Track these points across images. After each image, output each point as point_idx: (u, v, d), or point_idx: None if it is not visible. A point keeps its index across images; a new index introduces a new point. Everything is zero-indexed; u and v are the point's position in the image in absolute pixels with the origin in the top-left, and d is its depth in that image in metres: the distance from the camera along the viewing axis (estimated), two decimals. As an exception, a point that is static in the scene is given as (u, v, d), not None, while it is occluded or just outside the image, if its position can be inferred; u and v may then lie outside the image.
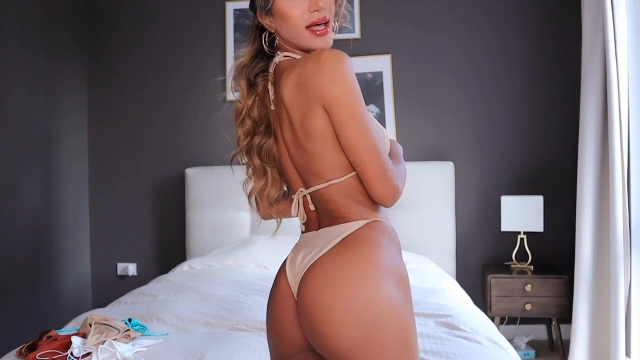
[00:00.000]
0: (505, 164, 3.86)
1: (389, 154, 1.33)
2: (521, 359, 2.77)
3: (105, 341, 2.03)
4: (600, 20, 3.16)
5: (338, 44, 1.32)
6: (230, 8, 4.01)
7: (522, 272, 3.57)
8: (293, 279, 1.30)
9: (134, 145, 4.12)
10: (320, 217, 1.32)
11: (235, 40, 3.99)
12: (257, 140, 1.38)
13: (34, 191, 3.54)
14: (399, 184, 1.27)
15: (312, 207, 1.33)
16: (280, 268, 1.37)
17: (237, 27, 4.01)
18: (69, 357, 1.97)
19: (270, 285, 1.43)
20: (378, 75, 3.90)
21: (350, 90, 1.21)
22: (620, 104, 3.06)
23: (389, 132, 3.84)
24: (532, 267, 3.63)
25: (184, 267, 3.45)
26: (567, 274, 3.57)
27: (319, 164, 1.28)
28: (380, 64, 3.90)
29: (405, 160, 1.42)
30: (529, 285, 3.47)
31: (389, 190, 1.25)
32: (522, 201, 3.60)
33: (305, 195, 1.33)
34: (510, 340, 3.56)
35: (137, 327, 2.25)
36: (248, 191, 1.44)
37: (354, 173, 1.27)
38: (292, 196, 1.37)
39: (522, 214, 3.60)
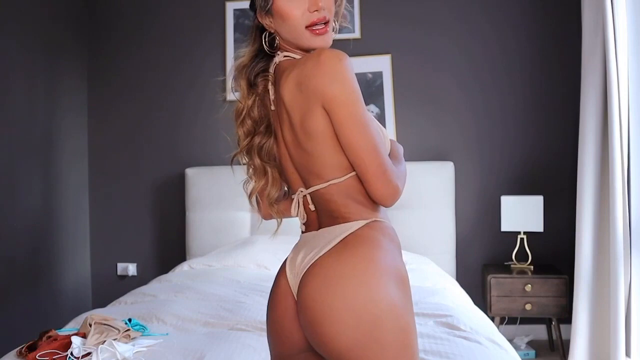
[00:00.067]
0: (505, 164, 3.86)
1: (389, 154, 1.33)
2: (521, 359, 2.77)
3: (105, 341, 2.03)
4: (600, 20, 3.16)
5: (338, 44, 1.32)
6: (230, 8, 4.01)
7: (522, 272, 3.57)
8: (293, 279, 1.30)
9: (134, 145, 4.12)
10: (320, 217, 1.32)
11: (235, 40, 3.99)
12: (257, 140, 1.38)
13: (34, 191, 3.54)
14: (399, 184, 1.27)
15: (312, 207, 1.33)
16: (280, 268, 1.37)
17: (237, 27, 4.01)
18: (69, 357, 1.97)
19: (270, 285, 1.44)
20: (378, 75, 3.90)
21: (350, 90, 1.21)
22: (620, 104, 3.06)
23: (389, 132, 3.84)
24: (532, 267, 3.63)
25: (184, 267, 3.45)
26: (567, 274, 3.57)
27: (319, 164, 1.28)
28: (380, 64, 3.90)
29: (405, 160, 1.42)
30: (529, 285, 3.47)
31: (388, 190, 1.25)
32: (522, 201, 3.60)
33: (305, 195, 1.33)
34: (510, 340, 3.56)
35: (137, 327, 2.25)
36: (248, 191, 1.44)
37: (353, 173, 1.27)
38: (292, 196, 1.37)
39: (522, 214, 3.60)
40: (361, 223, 1.27)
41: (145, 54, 4.11)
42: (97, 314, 2.30)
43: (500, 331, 2.70)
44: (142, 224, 4.12)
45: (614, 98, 3.04)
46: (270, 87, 1.35)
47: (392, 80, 3.89)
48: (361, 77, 3.83)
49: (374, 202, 1.29)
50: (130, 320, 2.27)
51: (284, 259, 1.38)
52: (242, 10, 3.99)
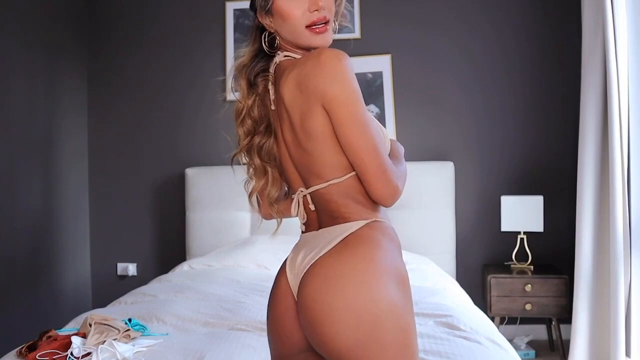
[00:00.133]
0: (505, 164, 3.86)
1: (390, 154, 1.33)
2: (521, 359, 2.77)
3: (105, 341, 2.03)
4: (600, 20, 3.16)
5: (338, 44, 1.32)
6: (230, 8, 4.01)
7: (522, 272, 3.57)
8: (293, 279, 1.30)
9: (134, 145, 4.12)
10: (320, 217, 1.32)
11: (235, 40, 3.99)
12: (257, 139, 1.38)
13: (34, 191, 3.54)
14: (398, 184, 1.27)
15: (312, 207, 1.33)
16: (280, 268, 1.37)
17: (237, 27, 4.01)
18: (69, 357, 1.97)
19: (270, 285, 1.43)
20: (378, 75, 3.90)
21: (350, 90, 1.21)
22: (620, 104, 3.06)
23: (389, 132, 3.84)
24: (532, 267, 3.63)
25: (184, 267, 3.45)
26: (567, 274, 3.57)
27: (319, 163, 1.28)
28: (380, 64, 3.90)
29: (406, 160, 1.42)
30: (529, 285, 3.47)
31: (388, 190, 1.25)
32: (522, 201, 3.60)
33: (305, 195, 1.33)
34: (510, 340, 3.56)
35: (137, 327, 2.25)
36: (249, 191, 1.44)
37: (353, 173, 1.27)
38: (293, 196, 1.37)
39: (522, 214, 3.60)
40: (361, 223, 1.27)
41: (145, 54, 4.11)
42: (97, 314, 2.30)
43: (500, 331, 2.70)
44: (142, 224, 4.12)
45: (614, 98, 3.04)
46: (270, 86, 1.35)
47: (392, 80, 3.89)
48: (361, 77, 3.83)
49: (374, 202, 1.29)
50: (130, 320, 2.27)
51: (284, 259, 1.38)
52: (242, 10, 3.99)
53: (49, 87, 3.71)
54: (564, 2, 3.79)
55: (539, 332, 3.84)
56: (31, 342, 2.10)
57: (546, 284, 3.47)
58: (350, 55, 1.25)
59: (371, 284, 1.18)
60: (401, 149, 1.43)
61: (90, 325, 2.12)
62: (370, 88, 3.88)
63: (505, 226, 3.64)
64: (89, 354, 1.98)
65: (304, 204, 1.34)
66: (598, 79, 3.20)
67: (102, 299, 3.90)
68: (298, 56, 1.33)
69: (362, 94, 1.24)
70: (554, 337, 3.69)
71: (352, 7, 3.87)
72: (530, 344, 3.73)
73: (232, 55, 3.65)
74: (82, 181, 4.09)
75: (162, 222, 4.12)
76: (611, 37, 3.05)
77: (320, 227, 1.31)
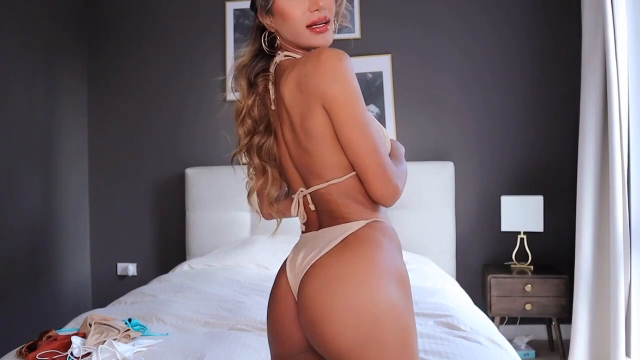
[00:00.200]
0: (505, 164, 3.86)
1: (390, 154, 1.33)
2: (521, 359, 2.77)
3: (105, 341, 2.03)
4: (600, 20, 3.16)
5: (338, 44, 1.32)
6: (230, 8, 4.01)
7: (522, 272, 3.57)
8: (293, 279, 1.30)
9: (134, 145, 4.12)
10: (320, 217, 1.32)
11: (235, 40, 3.99)
12: (256, 139, 1.38)
13: (34, 191, 3.54)
14: (399, 184, 1.27)
15: (312, 207, 1.33)
16: (280, 268, 1.37)
17: (237, 27, 4.01)
18: (69, 357, 1.97)
19: (270, 285, 1.44)
20: (378, 75, 3.90)
21: (350, 90, 1.21)
22: (620, 104, 3.06)
23: (389, 132, 3.84)
24: (532, 267, 3.63)
25: (184, 267, 3.45)
26: (567, 274, 3.57)
27: (319, 163, 1.28)
28: (380, 64, 3.90)
29: (406, 160, 1.42)
30: (529, 285, 3.47)
31: (388, 190, 1.25)
32: (522, 201, 3.60)
33: (305, 195, 1.33)
34: (510, 340, 3.56)
35: (137, 327, 2.25)
36: (248, 190, 1.44)
37: (353, 173, 1.27)
38: (293, 196, 1.37)
39: (522, 214, 3.60)
40: (361, 223, 1.27)
41: (145, 54, 4.11)
42: (97, 314, 2.30)
43: (500, 331, 2.70)
44: (142, 224, 4.12)
45: (614, 98, 3.04)
46: (270, 86, 1.35)
47: (392, 80, 3.89)
48: (361, 77, 3.83)
49: (374, 202, 1.29)
50: (130, 320, 2.27)
51: (284, 259, 1.38)
52: (242, 10, 3.99)
53: (49, 87, 3.71)
54: (564, 2, 3.79)
55: (539, 332, 3.84)
56: (31, 342, 2.10)
57: (546, 284, 3.47)
58: (350, 55, 1.25)
59: (371, 284, 1.18)
60: (401, 149, 1.43)
61: (90, 325, 2.12)
62: (370, 88, 3.89)
63: (505, 226, 3.64)
64: (89, 354, 1.98)
65: (304, 204, 1.34)
66: (598, 79, 3.20)
67: (102, 299, 3.90)
68: (298, 56, 1.33)
69: (362, 94, 1.24)
70: (554, 337, 3.69)
71: (352, 7, 3.87)
72: (530, 344, 3.73)
73: (232, 55, 3.65)
74: (82, 181, 4.09)
75: (162, 222, 4.12)
76: (611, 37, 3.05)
77: (320, 227, 1.31)
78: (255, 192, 1.44)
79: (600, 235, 3.25)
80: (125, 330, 2.13)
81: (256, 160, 1.39)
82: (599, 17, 3.19)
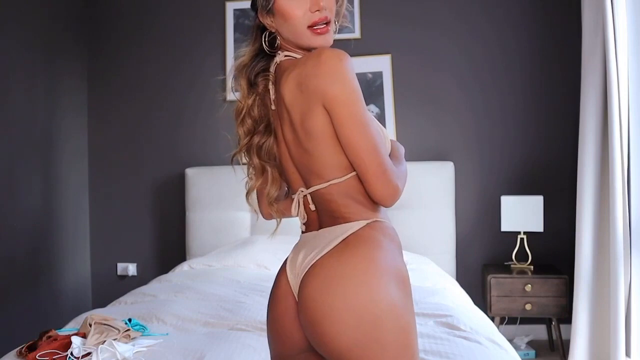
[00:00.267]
0: (505, 164, 3.86)
1: (390, 154, 1.33)
2: (521, 359, 2.77)
3: (105, 341, 2.03)
4: (600, 20, 3.16)
5: (338, 44, 1.32)
6: (230, 8, 4.01)
7: (522, 272, 3.57)
8: (293, 279, 1.30)
9: (134, 145, 4.12)
10: (320, 217, 1.32)
11: (235, 40, 3.99)
12: (256, 139, 1.38)
13: (34, 191, 3.54)
14: (399, 184, 1.27)
15: (312, 207, 1.33)
16: (280, 268, 1.37)
17: (237, 27, 4.01)
18: (69, 357, 1.97)
19: (270, 285, 1.43)
20: (378, 75, 3.90)
21: (350, 90, 1.21)
22: (620, 104, 3.06)
23: (389, 132, 3.84)
24: (532, 267, 3.63)
25: (184, 267, 3.45)
26: (567, 274, 3.57)
27: (319, 163, 1.28)
28: (380, 64, 3.90)
29: (406, 160, 1.42)
30: (529, 285, 3.47)
31: (388, 190, 1.25)
32: (522, 201, 3.60)
33: (305, 195, 1.33)
34: (510, 340, 3.56)
35: (137, 327, 2.25)
36: (247, 189, 1.44)
37: (354, 173, 1.27)
38: (293, 196, 1.37)
39: (522, 214, 3.60)
40: (362, 223, 1.27)
41: (145, 54, 4.11)
42: (97, 314, 2.30)
43: (500, 331, 2.70)
44: (142, 224, 4.12)
45: (614, 98, 3.04)
46: (270, 86, 1.35)
47: (392, 80, 3.89)
48: (361, 77, 3.83)
49: (374, 202, 1.29)
50: (130, 320, 2.27)
51: (284, 259, 1.38)
52: (242, 10, 3.99)
53: (49, 87, 3.71)
54: (564, 2, 3.79)
55: (539, 332, 3.84)
56: (31, 342, 2.10)
57: (546, 284, 3.47)
58: (351, 55, 1.25)
59: (372, 284, 1.18)
60: (401, 149, 1.43)
61: (90, 325, 2.12)
62: (370, 88, 3.89)
63: (505, 226, 3.64)
64: (89, 354, 1.98)
65: (304, 204, 1.34)
66: (598, 79, 3.20)
67: (102, 299, 3.90)
68: (299, 56, 1.33)
69: (362, 94, 1.24)
70: (554, 337, 3.69)
71: (352, 7, 3.87)
72: (530, 344, 3.73)
73: (232, 55, 3.65)
74: (82, 181, 4.09)
75: (162, 222, 4.12)
76: (611, 37, 3.05)
77: (320, 227, 1.31)
78: (255, 192, 1.44)
79: (600, 235, 3.25)
80: (125, 330, 2.13)
81: (256, 160, 1.39)
82: (599, 17, 3.19)
